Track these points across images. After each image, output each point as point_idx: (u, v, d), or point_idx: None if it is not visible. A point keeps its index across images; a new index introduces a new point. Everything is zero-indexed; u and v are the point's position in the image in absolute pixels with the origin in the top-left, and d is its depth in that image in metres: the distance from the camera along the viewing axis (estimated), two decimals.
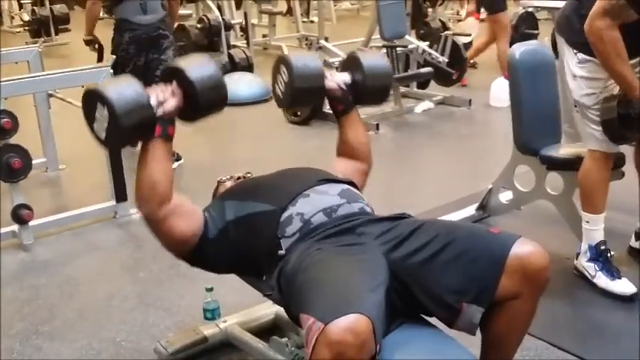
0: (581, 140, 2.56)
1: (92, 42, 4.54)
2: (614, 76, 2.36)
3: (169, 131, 1.77)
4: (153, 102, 1.73)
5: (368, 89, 2.06)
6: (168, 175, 1.77)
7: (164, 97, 1.75)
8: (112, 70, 3.50)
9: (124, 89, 1.69)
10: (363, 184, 2.11)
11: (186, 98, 1.77)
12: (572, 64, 2.53)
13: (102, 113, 1.67)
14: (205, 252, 1.85)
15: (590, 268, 2.59)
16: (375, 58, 2.11)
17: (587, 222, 2.56)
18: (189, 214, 1.83)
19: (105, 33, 4.48)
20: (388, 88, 2.12)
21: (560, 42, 2.62)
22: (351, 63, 2.11)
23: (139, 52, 4.00)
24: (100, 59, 4.35)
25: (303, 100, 2.02)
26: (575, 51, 2.51)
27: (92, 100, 1.70)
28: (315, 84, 1.99)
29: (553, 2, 5.87)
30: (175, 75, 1.78)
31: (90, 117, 1.72)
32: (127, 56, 4.00)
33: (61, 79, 3.41)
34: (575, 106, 2.55)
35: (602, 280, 2.56)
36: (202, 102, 1.77)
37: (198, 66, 1.79)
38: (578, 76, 2.52)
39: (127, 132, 1.69)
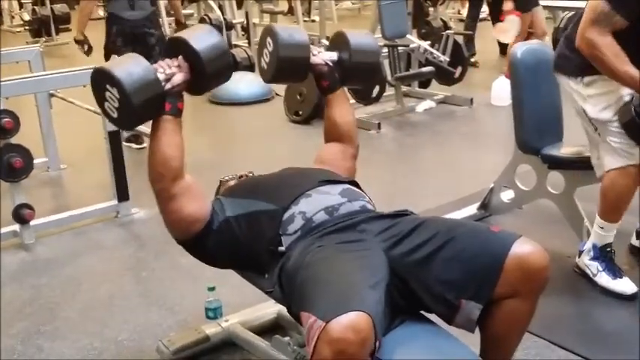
0: (605, 164, 2.49)
1: (82, 42, 4.69)
2: (620, 78, 2.34)
3: (179, 106, 1.78)
4: (160, 77, 1.73)
5: (354, 67, 2.06)
6: (181, 149, 1.78)
7: (171, 72, 1.76)
8: None
9: (131, 67, 1.69)
10: (353, 168, 2.13)
11: (192, 70, 1.78)
12: (581, 89, 2.51)
13: (112, 93, 1.68)
14: (206, 242, 1.85)
15: (592, 267, 2.59)
16: (362, 37, 2.10)
17: (602, 227, 2.54)
18: (200, 197, 1.84)
19: (100, 32, 4.50)
20: (375, 67, 2.12)
21: (563, 81, 2.61)
22: (338, 41, 2.10)
23: (126, 45, 4.35)
24: (88, 54, 4.72)
25: (287, 72, 2.01)
26: (579, 78, 2.51)
27: (101, 80, 1.70)
28: (300, 54, 1.98)
29: (571, 2, 5.93)
30: (180, 48, 1.78)
31: (100, 97, 1.73)
32: (115, 47, 4.38)
33: (62, 79, 3.41)
34: (596, 129, 2.49)
35: (603, 278, 2.56)
36: (209, 72, 1.77)
37: (202, 36, 1.79)
38: (589, 96, 2.49)
39: (138, 109, 1.69)
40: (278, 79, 2.05)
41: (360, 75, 2.13)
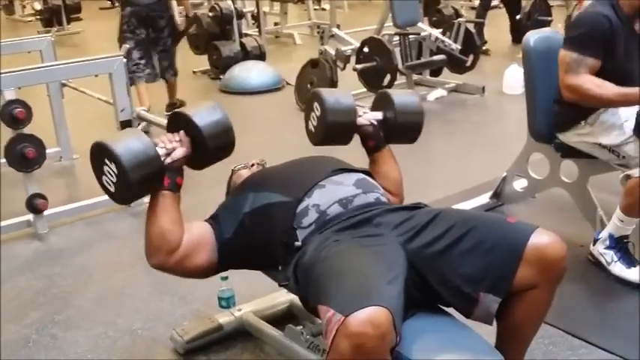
0: (632, 173, 2.51)
1: None
2: (614, 102, 2.47)
3: (178, 181, 1.76)
4: (160, 152, 1.70)
5: (399, 126, 2.07)
6: (178, 224, 1.75)
7: (172, 147, 1.74)
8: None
9: (131, 143, 1.65)
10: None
11: (194, 146, 1.76)
12: (588, 130, 2.62)
13: (110, 168, 1.65)
14: (226, 257, 1.85)
15: (607, 255, 2.58)
16: (406, 96, 2.12)
17: (622, 221, 2.53)
18: (200, 245, 1.81)
19: (111, 22, 4.50)
20: (420, 126, 2.11)
21: (570, 138, 2.71)
22: (382, 100, 2.12)
23: (139, 26, 4.92)
24: None
25: (334, 135, 2.02)
26: (581, 123, 2.63)
27: (100, 154, 1.67)
28: (347, 119, 2.00)
29: None
30: (183, 123, 1.76)
31: (98, 170, 1.70)
32: (129, 28, 4.93)
33: (74, 69, 3.42)
34: (619, 155, 2.57)
35: (617, 267, 2.55)
36: (211, 149, 1.75)
37: (205, 113, 1.76)
38: (599, 130, 2.58)
39: (135, 187, 1.66)
40: (326, 142, 2.05)
41: (405, 134, 2.13)
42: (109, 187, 1.69)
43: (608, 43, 2.47)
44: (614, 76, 2.47)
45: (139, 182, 1.65)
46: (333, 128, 1.99)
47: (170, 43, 5.21)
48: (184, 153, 1.75)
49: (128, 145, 1.65)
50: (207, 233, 1.84)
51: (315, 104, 2.00)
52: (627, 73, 2.52)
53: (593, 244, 2.65)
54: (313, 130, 2.05)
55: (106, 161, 1.65)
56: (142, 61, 5.00)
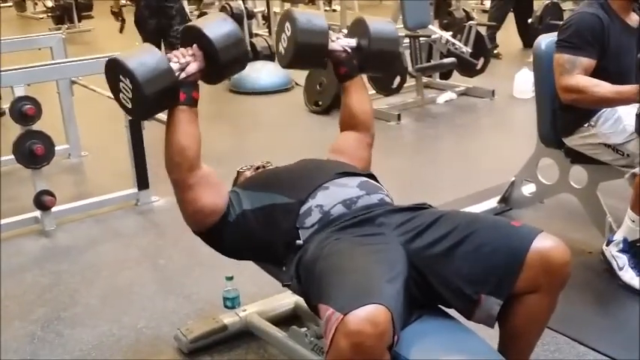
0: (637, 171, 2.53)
1: (118, 14, 5.09)
2: (612, 100, 2.47)
3: (194, 95, 1.77)
4: (174, 67, 1.72)
5: (373, 54, 2.02)
6: (197, 139, 1.77)
7: (185, 61, 1.75)
8: None
9: (144, 58, 1.69)
10: (369, 158, 2.10)
11: (207, 59, 1.76)
12: (593, 131, 2.61)
13: (125, 83, 1.67)
14: (223, 234, 1.85)
15: (619, 259, 2.55)
16: (382, 24, 2.07)
17: (633, 221, 2.51)
18: (216, 188, 1.83)
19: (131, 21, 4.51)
20: (395, 55, 2.08)
21: (575, 141, 2.71)
22: (357, 27, 2.07)
23: (151, 16, 5.21)
24: (121, 30, 5.58)
25: (304, 57, 1.98)
26: (585, 125, 2.63)
27: (114, 71, 1.70)
28: (318, 40, 1.95)
29: None
30: (194, 36, 1.77)
31: (115, 88, 1.73)
32: (142, 17, 5.29)
33: (84, 66, 3.42)
34: (623, 154, 2.57)
35: (628, 274, 2.52)
36: (224, 61, 1.76)
37: (216, 25, 1.77)
38: (604, 130, 2.58)
39: (151, 100, 1.68)
40: (295, 64, 2.02)
41: (379, 63, 2.10)
42: (126, 103, 1.72)
43: (601, 42, 2.49)
44: (611, 74, 2.48)
45: (154, 96, 1.67)
46: (304, 49, 1.94)
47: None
48: (198, 67, 1.76)
49: (141, 59, 1.67)
50: (225, 191, 1.87)
51: (287, 24, 1.94)
52: (625, 69, 2.53)
53: (606, 245, 2.62)
54: (283, 51, 1.99)
55: (121, 77, 1.67)
56: None
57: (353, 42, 2.05)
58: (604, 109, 2.58)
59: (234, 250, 1.93)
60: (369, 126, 2.11)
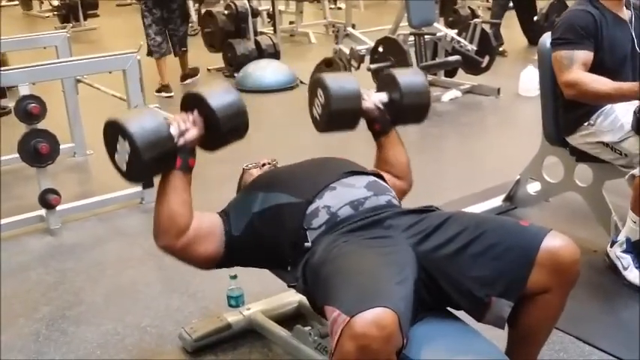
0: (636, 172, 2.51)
1: None
2: (612, 97, 2.46)
3: (190, 162, 1.75)
4: (174, 132, 1.70)
5: (405, 108, 2.02)
6: (187, 207, 1.75)
7: (185, 127, 1.73)
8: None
9: (145, 122, 1.65)
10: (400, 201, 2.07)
11: (207, 127, 1.74)
12: (593, 130, 2.62)
13: (123, 146, 1.65)
14: (232, 253, 1.84)
15: (623, 260, 2.55)
16: (411, 76, 2.07)
17: (634, 222, 2.51)
18: (208, 235, 1.81)
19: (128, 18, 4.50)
20: (427, 106, 2.06)
21: (577, 140, 2.72)
22: (387, 81, 2.07)
23: (155, 7, 5.75)
24: None
25: (340, 121, 1.99)
26: (585, 124, 2.63)
27: (113, 131, 1.67)
28: (352, 105, 1.95)
29: None
30: (196, 103, 1.75)
31: (111, 148, 1.70)
32: (147, 8, 5.78)
33: (89, 65, 3.42)
34: (621, 153, 2.57)
35: (632, 274, 2.52)
36: (224, 130, 1.74)
37: (219, 94, 1.76)
38: (602, 128, 2.58)
39: (148, 166, 1.66)
40: (331, 129, 2.01)
41: (411, 115, 2.08)
42: (120, 165, 1.70)
43: (594, 35, 2.50)
44: (606, 67, 2.49)
45: (152, 161, 1.65)
46: (338, 115, 1.94)
47: (180, 23, 5.99)
48: (197, 134, 1.74)
49: (142, 123, 1.65)
50: (218, 225, 1.84)
51: (319, 91, 1.95)
52: (619, 62, 2.54)
53: (610, 246, 2.62)
54: (318, 117, 2.00)
55: (119, 139, 1.65)
56: (159, 38, 5.85)
57: (385, 97, 2.04)
58: (603, 107, 2.58)
59: (246, 261, 1.93)
60: (406, 176, 2.09)
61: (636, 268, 2.52)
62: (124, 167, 1.69)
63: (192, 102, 1.77)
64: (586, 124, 2.63)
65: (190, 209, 1.76)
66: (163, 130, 1.67)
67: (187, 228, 1.75)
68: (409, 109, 2.03)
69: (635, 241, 2.53)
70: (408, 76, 2.05)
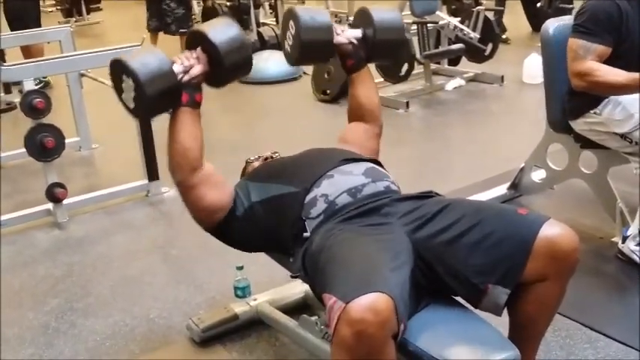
0: None
1: None
2: (625, 88, 2.40)
3: (197, 98, 1.79)
4: (178, 69, 1.74)
5: (379, 44, 2.02)
6: (199, 141, 1.79)
7: (189, 64, 1.76)
8: None
9: (146, 58, 1.71)
10: (377, 148, 2.11)
11: (211, 63, 1.78)
12: (600, 119, 2.58)
13: (128, 83, 1.70)
14: (231, 227, 1.87)
15: (639, 252, 2.54)
16: (386, 13, 2.07)
17: None
18: (220, 185, 1.85)
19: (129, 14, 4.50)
20: (401, 43, 2.08)
21: (581, 125, 2.68)
22: (362, 18, 2.07)
23: None
24: None
25: (311, 54, 2.00)
26: (590, 111, 2.60)
27: (118, 70, 1.72)
28: (323, 37, 1.96)
29: None
30: (199, 40, 1.78)
31: (118, 87, 1.75)
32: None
33: (93, 59, 3.43)
34: (631, 142, 2.54)
35: None
36: (228, 65, 1.77)
37: (221, 29, 1.78)
38: (611, 117, 2.54)
39: (153, 100, 1.70)
40: (302, 61, 2.04)
41: (385, 52, 2.10)
42: (128, 103, 1.74)
43: (618, 28, 2.45)
44: (630, 61, 2.43)
45: (157, 96, 1.69)
46: (309, 46, 1.95)
47: (176, 5, 6.35)
48: (202, 70, 1.77)
49: (144, 60, 1.70)
50: (229, 187, 1.89)
51: (291, 23, 1.95)
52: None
53: (622, 242, 2.60)
54: (289, 50, 2.00)
55: (124, 77, 1.70)
56: (149, 14, 6.39)
57: (358, 33, 2.04)
58: (609, 98, 2.54)
59: (244, 243, 1.95)
60: (376, 116, 2.11)
61: None
62: (131, 105, 1.73)
63: (195, 39, 1.80)
64: (592, 112, 2.60)
65: (201, 143, 1.80)
66: (165, 65, 1.71)
67: (200, 163, 1.79)
68: (383, 45, 2.04)
69: None
70: (383, 13, 2.05)
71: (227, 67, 1.77)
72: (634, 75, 2.37)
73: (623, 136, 2.54)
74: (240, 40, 1.78)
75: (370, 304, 1.30)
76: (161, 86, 1.70)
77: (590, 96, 2.56)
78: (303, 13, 1.94)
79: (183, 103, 1.76)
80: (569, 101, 2.69)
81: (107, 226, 3.30)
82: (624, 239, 2.59)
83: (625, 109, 2.52)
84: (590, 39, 2.44)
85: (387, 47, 2.07)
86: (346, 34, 2.03)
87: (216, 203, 1.83)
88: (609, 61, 2.45)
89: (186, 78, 1.75)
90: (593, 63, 2.44)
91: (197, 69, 1.77)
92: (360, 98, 2.09)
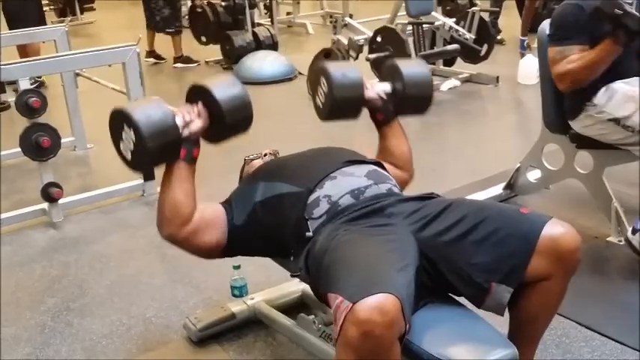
0: None
1: None
2: (598, 63, 2.44)
3: (194, 153, 1.77)
4: (179, 122, 1.71)
5: (409, 98, 2.02)
6: (191, 197, 1.77)
7: (190, 118, 1.74)
8: None
9: (150, 111, 1.68)
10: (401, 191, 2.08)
11: (212, 119, 1.76)
12: (600, 108, 2.58)
13: (128, 134, 1.67)
14: (235, 242, 1.87)
15: None
16: (415, 66, 2.08)
17: None
18: (211, 224, 1.83)
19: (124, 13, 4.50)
20: (430, 97, 2.07)
21: (583, 121, 2.68)
22: (390, 71, 2.07)
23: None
24: None
25: (342, 110, 1.99)
26: (589, 103, 2.60)
27: (119, 120, 1.69)
28: (354, 94, 1.96)
29: None
30: (201, 95, 1.76)
31: (116, 137, 1.72)
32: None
33: (88, 59, 3.42)
34: (633, 130, 2.53)
35: None
36: (229, 123, 1.76)
37: (224, 86, 1.77)
38: (609, 104, 2.55)
39: (152, 154, 1.68)
40: (334, 118, 2.01)
41: (414, 106, 2.09)
42: (125, 154, 1.72)
43: (588, 28, 2.48)
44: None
45: (156, 150, 1.67)
46: (341, 103, 1.95)
47: (162, 4, 6.53)
48: (202, 125, 1.76)
49: (148, 112, 1.67)
50: (220, 215, 1.86)
51: (322, 79, 1.96)
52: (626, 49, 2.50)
53: (632, 234, 2.59)
54: (321, 105, 2.01)
55: (125, 127, 1.67)
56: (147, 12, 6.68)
57: (388, 88, 2.04)
58: (604, 87, 2.55)
59: (247, 251, 1.96)
60: (408, 167, 2.10)
61: None
62: (128, 156, 1.71)
63: (197, 94, 1.78)
64: (589, 104, 2.60)
65: (194, 199, 1.78)
66: (169, 119, 1.69)
67: (191, 217, 1.77)
68: (412, 99, 2.04)
69: None
70: (412, 67, 2.06)
71: (228, 125, 1.76)
72: (599, 46, 2.41)
73: (624, 126, 2.53)
74: (242, 99, 1.77)
75: (378, 304, 1.30)
76: (163, 140, 1.67)
77: (584, 90, 2.57)
78: (334, 70, 1.94)
79: (181, 157, 1.75)
80: (566, 102, 2.71)
81: (103, 226, 3.29)
82: (635, 231, 2.59)
83: (620, 92, 2.53)
84: (563, 43, 2.53)
85: (416, 101, 2.06)
86: (376, 89, 2.02)
87: (211, 243, 1.83)
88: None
89: (185, 132, 1.73)
90: (566, 60, 2.50)
91: (198, 124, 1.75)
92: (392, 151, 2.07)
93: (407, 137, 2.12)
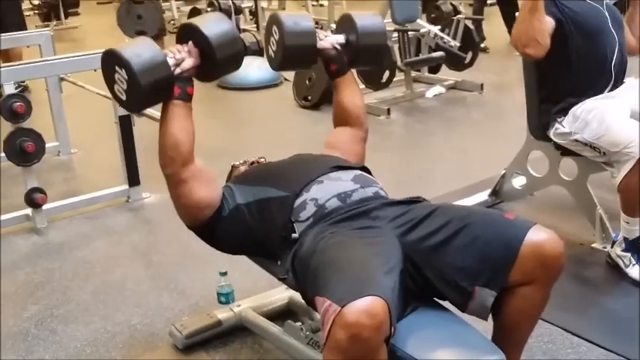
0: (621, 174, 2.49)
1: None
2: (531, 12, 2.44)
3: (188, 90, 1.79)
4: (170, 62, 1.74)
5: (362, 49, 2.05)
6: (191, 134, 1.79)
7: (181, 57, 1.78)
8: None
9: (140, 50, 1.71)
10: (363, 152, 2.13)
11: (202, 56, 1.79)
12: (565, 131, 2.65)
13: (121, 74, 1.69)
14: (217, 228, 1.87)
15: (625, 258, 2.57)
16: (369, 18, 2.10)
17: (627, 222, 2.53)
18: (210, 182, 1.86)
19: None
20: (383, 48, 2.11)
21: (552, 135, 2.72)
22: (345, 24, 2.10)
23: None
24: None
25: (295, 59, 2.02)
26: (556, 122, 2.67)
27: (111, 62, 1.72)
28: (306, 42, 1.98)
29: None
30: (191, 33, 1.79)
31: (110, 79, 1.75)
32: None
33: (73, 63, 3.40)
34: (600, 151, 2.56)
35: (634, 270, 2.54)
36: (219, 59, 1.78)
37: (213, 23, 1.80)
38: (575, 125, 2.60)
39: (145, 92, 1.70)
40: (286, 66, 2.07)
41: (368, 57, 2.13)
42: (120, 95, 1.74)
43: (557, 16, 2.54)
44: (583, 33, 2.56)
45: (149, 88, 1.69)
46: (293, 52, 1.97)
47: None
48: (193, 63, 1.79)
49: (137, 51, 1.70)
50: (218, 185, 1.89)
51: (274, 28, 1.97)
52: (597, 30, 2.60)
53: (611, 247, 2.63)
54: (273, 55, 2.02)
55: (117, 68, 1.70)
56: None
57: (341, 39, 2.07)
58: (572, 110, 2.61)
59: (228, 244, 1.95)
60: (362, 120, 2.13)
61: (636, 263, 2.54)
62: (123, 97, 1.73)
63: (187, 33, 1.81)
64: (557, 124, 2.66)
65: (192, 137, 1.80)
66: (159, 57, 1.71)
67: (192, 157, 1.79)
68: (366, 50, 2.07)
69: (634, 240, 2.55)
70: (366, 19, 2.08)
71: (218, 61, 1.79)
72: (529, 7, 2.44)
73: (592, 146, 2.57)
74: (232, 35, 1.80)
75: (366, 307, 1.30)
76: (154, 77, 1.70)
77: (555, 107, 2.63)
78: (286, 18, 1.97)
79: (175, 95, 1.77)
80: (540, 115, 2.77)
81: (87, 232, 3.27)
82: (613, 244, 2.63)
83: (587, 115, 2.57)
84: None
85: (369, 52, 2.10)
86: (329, 40, 2.06)
87: (205, 199, 1.83)
88: (580, 59, 2.57)
89: (177, 71, 1.76)
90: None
91: (189, 62, 1.78)
92: (345, 103, 2.11)
93: (360, 91, 2.16)
